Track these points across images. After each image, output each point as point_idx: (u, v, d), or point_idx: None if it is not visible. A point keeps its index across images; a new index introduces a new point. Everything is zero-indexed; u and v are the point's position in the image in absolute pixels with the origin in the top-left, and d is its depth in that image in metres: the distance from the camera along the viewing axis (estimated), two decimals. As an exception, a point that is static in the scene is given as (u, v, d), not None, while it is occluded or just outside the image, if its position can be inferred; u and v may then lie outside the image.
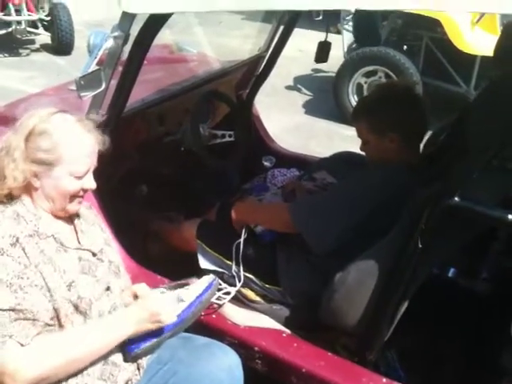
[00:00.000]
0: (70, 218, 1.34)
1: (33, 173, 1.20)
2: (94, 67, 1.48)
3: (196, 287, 1.44)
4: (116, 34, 1.49)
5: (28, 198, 1.25)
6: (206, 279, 1.47)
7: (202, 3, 1.33)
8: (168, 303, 1.34)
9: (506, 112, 1.27)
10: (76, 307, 1.22)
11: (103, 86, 1.51)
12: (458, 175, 1.23)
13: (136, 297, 1.38)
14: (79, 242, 1.32)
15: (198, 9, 1.38)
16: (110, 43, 1.51)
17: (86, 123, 1.28)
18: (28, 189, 1.23)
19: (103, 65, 1.53)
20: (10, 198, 1.23)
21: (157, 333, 1.31)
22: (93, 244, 1.35)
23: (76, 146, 1.23)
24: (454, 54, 4.44)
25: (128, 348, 1.29)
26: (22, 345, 1.12)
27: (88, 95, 1.49)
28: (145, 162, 2.14)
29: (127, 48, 1.56)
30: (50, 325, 1.18)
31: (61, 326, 1.20)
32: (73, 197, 1.27)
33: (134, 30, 1.53)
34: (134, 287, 1.41)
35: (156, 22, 1.52)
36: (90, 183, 1.29)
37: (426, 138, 1.93)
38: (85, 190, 1.29)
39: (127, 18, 1.48)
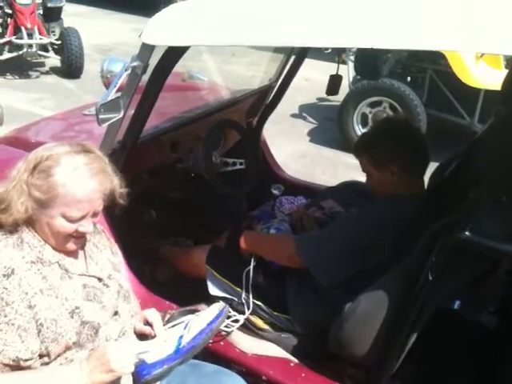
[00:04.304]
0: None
1: (30, 206, 1.20)
2: (113, 95, 1.51)
3: (207, 314, 1.44)
4: (135, 63, 1.53)
5: (32, 226, 1.24)
6: (217, 306, 1.47)
7: (220, 38, 1.37)
8: (126, 351, 1.22)
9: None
10: (79, 334, 1.21)
11: (122, 113, 1.54)
12: (468, 209, 1.25)
13: (147, 322, 1.40)
14: (87, 268, 1.32)
15: (216, 43, 1.42)
16: (128, 72, 1.55)
17: (95, 167, 1.22)
18: (32, 219, 1.23)
19: (121, 93, 1.56)
20: (17, 225, 1.22)
21: (167, 359, 1.31)
22: (101, 270, 1.34)
23: (73, 191, 1.18)
24: (457, 87, 4.49)
25: (139, 375, 1.29)
26: None
27: (107, 122, 1.52)
28: (155, 187, 2.17)
29: (145, 77, 1.60)
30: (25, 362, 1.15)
31: (66, 350, 1.20)
32: (68, 237, 1.24)
33: (153, 60, 1.57)
34: (145, 312, 1.42)
35: (174, 54, 1.56)
36: (86, 228, 1.23)
37: (432, 169, 1.97)
38: (80, 233, 1.24)
39: (147, 49, 1.52)
